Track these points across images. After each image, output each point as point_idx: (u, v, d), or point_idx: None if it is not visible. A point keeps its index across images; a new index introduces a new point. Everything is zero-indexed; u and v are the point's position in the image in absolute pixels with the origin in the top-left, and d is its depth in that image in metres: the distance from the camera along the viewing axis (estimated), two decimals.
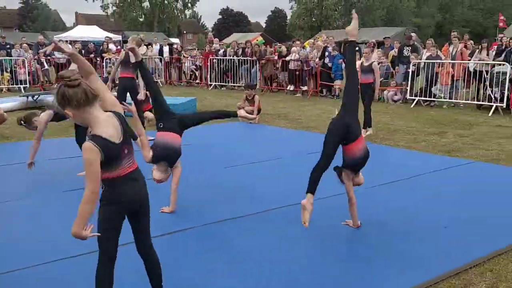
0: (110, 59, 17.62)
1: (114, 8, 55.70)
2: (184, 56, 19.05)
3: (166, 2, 56.84)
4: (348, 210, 4.23)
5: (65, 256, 3.66)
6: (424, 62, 12.73)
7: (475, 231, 4.22)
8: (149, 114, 9.59)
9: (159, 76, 19.30)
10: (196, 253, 3.77)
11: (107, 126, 2.49)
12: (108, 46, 18.48)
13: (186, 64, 18.94)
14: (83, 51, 18.17)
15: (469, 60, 12.61)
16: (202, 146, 7.73)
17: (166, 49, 19.45)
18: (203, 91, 16.85)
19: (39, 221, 4.48)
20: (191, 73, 18.91)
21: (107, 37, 22.12)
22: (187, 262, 3.62)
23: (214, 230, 4.23)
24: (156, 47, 19.50)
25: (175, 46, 20.81)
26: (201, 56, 18.30)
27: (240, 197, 5.15)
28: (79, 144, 5.80)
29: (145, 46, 19.52)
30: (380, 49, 14.95)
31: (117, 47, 20.87)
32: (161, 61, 19.14)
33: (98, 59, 17.85)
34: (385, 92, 13.54)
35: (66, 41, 27.00)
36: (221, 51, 17.95)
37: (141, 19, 56.98)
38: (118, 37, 35.16)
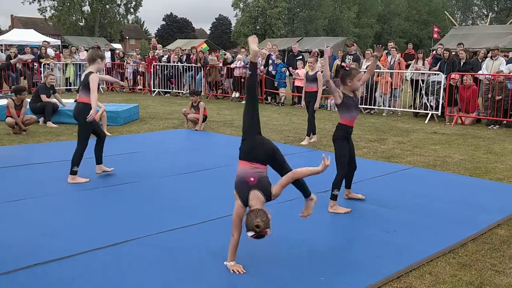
0: (48, 64, 16.95)
1: (53, 11, 53.76)
2: (126, 62, 18.65)
3: (107, 6, 55.52)
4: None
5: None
6: (364, 71, 13.11)
7: (414, 234, 4.36)
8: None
9: (100, 82, 18.79)
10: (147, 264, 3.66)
11: None
12: (46, 51, 17.77)
13: (128, 70, 18.55)
14: (19, 55, 17.35)
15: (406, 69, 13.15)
16: (146, 154, 7.57)
17: (107, 54, 18.96)
18: (146, 97, 16.55)
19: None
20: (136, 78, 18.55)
21: (44, 41, 21.26)
22: (137, 273, 3.50)
23: (165, 239, 4.13)
24: None
25: (117, 51, 20.34)
26: (143, 62, 17.97)
27: (186, 206, 5.06)
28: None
29: (85, 51, 19.00)
30: (322, 58, 15.27)
31: (55, 51, 20.12)
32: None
33: (35, 64, 17.11)
34: (328, 100, 13.85)
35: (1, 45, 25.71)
36: (165, 57, 17.74)
37: (81, 24, 55.29)
38: (57, 42, 33.98)
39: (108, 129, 9.44)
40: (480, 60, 12.46)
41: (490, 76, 11.28)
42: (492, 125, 11.00)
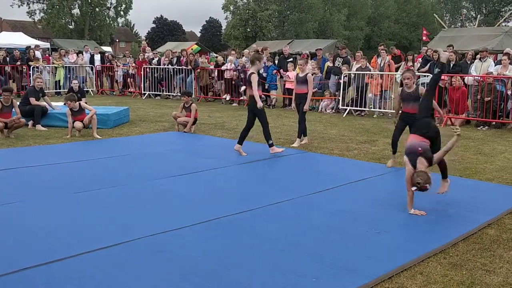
0: (37, 67, 16.83)
1: (42, 14, 53.39)
2: (116, 65, 18.57)
3: (97, 9, 55.26)
4: None
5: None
6: (355, 73, 13.19)
7: (405, 235, 4.37)
8: (77, 124, 9.24)
9: (90, 85, 18.69)
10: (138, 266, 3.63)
11: None
12: (34, 54, 17.64)
13: (118, 73, 18.47)
14: (8, 58, 17.23)
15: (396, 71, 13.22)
16: (136, 157, 7.53)
17: (97, 57, 18.90)
18: (137, 100, 16.48)
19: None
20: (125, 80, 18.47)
21: (36, 45, 21.12)
22: (128, 277, 3.47)
23: (159, 241, 4.10)
24: (87, 56, 18.89)
25: (106, 54, 20.25)
26: (134, 65, 17.91)
27: (176, 208, 5.03)
28: None
29: (75, 54, 18.90)
30: (313, 60, 15.31)
31: (44, 54, 19.98)
32: (92, 70, 18.54)
33: (24, 67, 16.98)
34: (320, 101, 13.88)
35: None
36: (155, 60, 17.68)
37: (71, 26, 54.96)
38: (46, 45, 33.76)
39: (98, 132, 9.38)
40: (468, 62, 12.55)
41: (479, 78, 11.36)
42: (481, 126, 11.08)
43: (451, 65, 12.22)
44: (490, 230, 4.59)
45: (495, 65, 11.86)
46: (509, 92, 10.91)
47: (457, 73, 11.83)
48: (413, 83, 6.70)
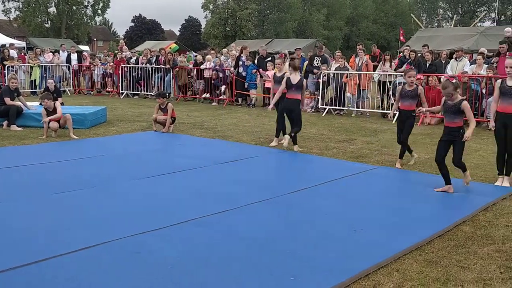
0: (12, 66, 16.50)
1: (18, 12, 52.39)
2: (93, 64, 18.32)
3: (74, 8, 54.47)
4: None
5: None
6: (334, 73, 13.27)
7: (382, 232, 4.41)
8: (53, 125, 9.10)
9: (67, 85, 18.41)
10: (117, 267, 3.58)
11: None
12: (9, 53, 17.28)
13: (95, 72, 18.23)
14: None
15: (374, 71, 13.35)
16: (114, 157, 7.44)
17: (74, 56, 18.62)
18: (115, 100, 16.30)
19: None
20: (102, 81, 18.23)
21: (11, 44, 20.71)
22: (110, 278, 3.42)
23: (136, 241, 4.05)
24: (64, 55, 18.61)
25: (84, 53, 19.98)
26: (112, 64, 17.69)
27: (154, 209, 4.99)
28: None
29: (51, 53, 18.60)
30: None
31: (20, 53, 19.61)
32: (69, 69, 18.27)
33: None
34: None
35: None
36: (133, 59, 17.51)
37: (47, 25, 54.07)
38: (22, 43, 33.14)
39: (74, 132, 9.25)
40: (443, 62, 12.75)
41: (455, 77, 11.54)
42: None
43: (427, 64, 12.40)
44: (465, 227, 4.66)
45: (470, 65, 12.07)
46: (483, 91, 11.12)
47: (433, 73, 12.00)
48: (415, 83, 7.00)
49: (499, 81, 6.17)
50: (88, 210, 4.92)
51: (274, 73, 9.00)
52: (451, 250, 4.09)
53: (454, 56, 12.46)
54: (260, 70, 14.86)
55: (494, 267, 3.76)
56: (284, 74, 8.71)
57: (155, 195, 5.50)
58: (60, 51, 19.03)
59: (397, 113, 7.41)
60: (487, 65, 11.39)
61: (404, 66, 12.08)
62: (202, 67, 15.79)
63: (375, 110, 13.07)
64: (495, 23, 51.92)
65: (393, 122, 11.70)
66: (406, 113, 7.00)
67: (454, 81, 7.05)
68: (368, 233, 4.39)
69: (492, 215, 5.01)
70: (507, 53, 10.89)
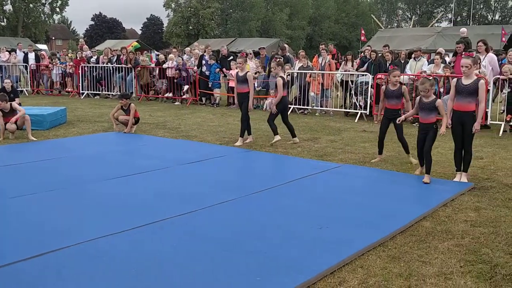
0: None
1: None
2: (52, 64, 17.82)
3: (31, 6, 52.85)
4: None
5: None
6: (297, 72, 13.37)
7: (347, 229, 4.47)
8: (10, 126, 8.80)
9: (24, 84, 17.84)
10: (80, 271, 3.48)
11: None
12: None
13: (54, 72, 17.73)
14: None
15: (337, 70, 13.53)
16: (74, 159, 7.25)
17: (31, 55, 18.06)
18: (75, 100, 15.91)
19: None
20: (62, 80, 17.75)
21: None
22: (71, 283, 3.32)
23: (98, 245, 3.95)
24: (20, 54, 18.02)
25: (41, 52, 19.40)
26: (71, 63, 17.26)
27: (117, 211, 4.89)
28: None
29: (7, 52, 17.97)
30: (256, 59, 15.37)
31: None
32: (26, 69, 17.70)
33: None
34: (265, 100, 13.96)
35: None
36: (93, 58, 17.14)
37: (2, 23, 52.24)
38: None
39: (33, 134, 8.98)
40: (402, 61, 13.04)
41: (414, 77, 11.83)
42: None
43: (388, 64, 12.65)
44: (425, 222, 4.78)
45: (428, 64, 12.40)
46: (441, 90, 11.44)
47: None
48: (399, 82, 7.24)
49: (455, 79, 6.34)
50: (46, 214, 4.78)
51: (237, 73, 8.96)
52: (413, 246, 4.18)
53: (413, 56, 12.75)
54: (224, 69, 14.82)
55: (454, 261, 3.86)
56: (246, 73, 8.69)
57: (117, 197, 5.39)
58: (17, 50, 18.42)
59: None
60: (444, 65, 11.72)
61: (407, 66, 12.27)
62: (165, 66, 15.61)
63: (338, 109, 13.25)
64: (452, 24, 53.62)
65: (356, 121, 11.91)
66: (392, 112, 7.21)
67: (430, 78, 7.27)
68: (333, 231, 4.43)
69: (451, 210, 5.15)
70: (463, 53, 11.24)
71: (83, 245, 3.98)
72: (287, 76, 13.28)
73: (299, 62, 13.84)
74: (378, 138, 7.46)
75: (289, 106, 13.20)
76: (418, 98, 6.44)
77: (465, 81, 6.13)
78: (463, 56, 7.46)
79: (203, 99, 15.16)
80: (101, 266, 3.61)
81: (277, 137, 8.74)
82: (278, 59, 10.38)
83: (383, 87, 7.49)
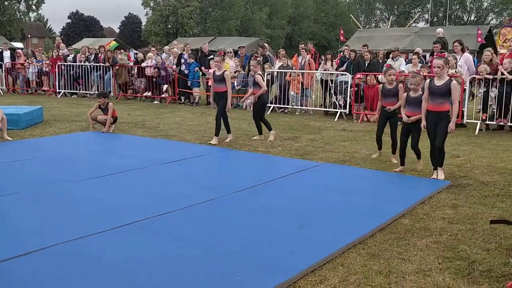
0: None
1: None
2: (28, 62, 17.48)
3: (6, 3, 51.71)
4: None
5: None
6: (277, 72, 13.39)
7: (327, 228, 4.48)
8: None
9: (0, 84, 17.46)
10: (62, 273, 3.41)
11: None
12: None
13: (30, 70, 17.39)
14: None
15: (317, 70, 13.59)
16: (51, 159, 7.12)
17: (6, 54, 17.68)
18: (51, 99, 15.64)
19: None
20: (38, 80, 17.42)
21: None
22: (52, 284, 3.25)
23: (75, 247, 3.88)
24: None
25: (18, 51, 19.02)
26: (47, 62, 16.95)
27: (95, 212, 4.81)
28: None
29: None
30: (236, 58, 15.33)
31: None
32: (1, 67, 17.32)
33: None
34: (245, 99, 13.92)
35: None
36: (70, 57, 16.86)
37: None
38: None
39: (8, 133, 8.79)
40: (380, 61, 13.17)
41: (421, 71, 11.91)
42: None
43: (366, 64, 12.77)
44: (404, 219, 4.83)
45: (406, 64, 12.56)
46: None
47: (371, 72, 12.37)
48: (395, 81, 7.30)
49: (427, 80, 6.36)
50: (21, 215, 4.67)
51: (214, 71, 8.90)
52: (392, 243, 4.22)
53: (391, 55, 12.91)
54: (203, 68, 14.75)
55: (432, 258, 3.91)
56: (224, 72, 8.65)
57: (95, 197, 5.31)
58: None
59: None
60: (421, 64, 11.88)
61: (321, 65, 12.36)
62: (144, 65, 15.46)
63: (318, 108, 13.31)
64: (429, 24, 54.41)
65: (335, 120, 11.98)
66: (391, 111, 7.20)
67: (421, 73, 7.34)
68: (314, 229, 4.44)
69: (429, 208, 5.22)
70: (435, 54, 11.40)
71: (60, 247, 3.91)
72: (266, 75, 13.29)
73: (279, 61, 13.86)
74: (376, 136, 7.49)
75: (270, 105, 13.27)
76: (405, 93, 6.66)
77: (438, 82, 6.15)
78: (434, 56, 7.54)
79: (182, 98, 15.06)
80: (79, 268, 3.55)
81: (273, 132, 9.04)
82: (258, 58, 10.40)
83: (380, 86, 7.50)
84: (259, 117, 9.07)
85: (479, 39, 23.35)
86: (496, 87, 10.23)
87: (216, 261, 3.72)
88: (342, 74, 12.59)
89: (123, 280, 3.38)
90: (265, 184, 5.96)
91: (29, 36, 63.13)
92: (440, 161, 6.36)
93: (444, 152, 6.35)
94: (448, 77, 6.26)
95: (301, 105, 13.30)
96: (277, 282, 3.39)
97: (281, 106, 13.32)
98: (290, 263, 3.69)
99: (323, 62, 13.76)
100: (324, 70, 13.23)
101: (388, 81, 7.22)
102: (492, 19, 65.03)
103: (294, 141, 9.05)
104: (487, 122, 10.48)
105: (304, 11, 63.24)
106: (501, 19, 60.37)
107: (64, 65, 16.40)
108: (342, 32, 31.92)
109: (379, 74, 12.31)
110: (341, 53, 14.91)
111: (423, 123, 6.35)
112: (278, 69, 13.45)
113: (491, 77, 10.24)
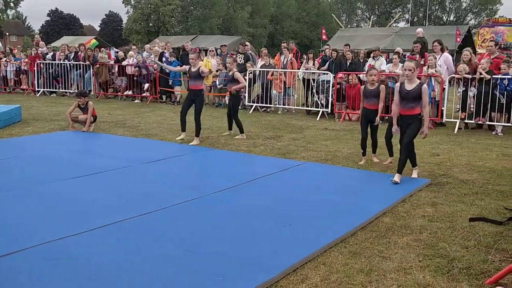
0: None
1: None
2: (6, 60, 17.15)
3: None
4: None
5: None
6: (260, 70, 13.38)
7: (309, 226, 4.49)
8: None
9: None
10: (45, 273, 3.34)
11: None
12: None
13: (8, 69, 17.07)
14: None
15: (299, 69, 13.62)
16: (29, 159, 7.00)
17: None
18: (30, 98, 15.38)
19: None
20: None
21: None
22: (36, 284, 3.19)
23: (59, 247, 3.81)
24: None
25: None
26: (26, 60, 16.65)
27: (75, 212, 4.74)
28: None
29: None
30: (219, 56, 15.29)
31: None
32: None
33: None
34: (226, 98, 13.88)
35: None
36: (50, 55, 16.60)
37: None
38: None
39: None
40: (361, 60, 13.27)
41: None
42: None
43: (348, 63, 12.85)
44: (385, 218, 4.87)
45: (386, 63, 12.66)
46: None
47: (353, 71, 12.45)
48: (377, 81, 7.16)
49: (397, 84, 6.27)
50: (0, 216, 4.58)
51: (189, 68, 8.77)
52: (373, 241, 4.25)
53: (372, 55, 13.00)
54: (184, 66, 14.64)
55: (413, 256, 3.95)
56: (199, 68, 8.57)
57: (75, 197, 5.23)
58: None
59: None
60: (402, 64, 11.99)
61: (366, 66, 12.33)
62: (124, 63, 15.30)
63: (300, 107, 13.35)
64: (409, 24, 55.04)
65: (317, 119, 12.03)
66: (371, 112, 7.11)
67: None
68: (295, 228, 4.45)
69: (409, 206, 5.27)
70: (407, 56, 11.52)
71: (39, 248, 3.84)
72: (249, 74, 13.28)
73: (262, 60, 13.85)
74: (361, 139, 7.29)
75: (252, 104, 13.27)
76: (397, 90, 6.24)
77: (408, 86, 6.08)
78: (406, 59, 7.54)
79: (164, 97, 14.95)
80: (59, 269, 3.49)
81: (243, 136, 9.01)
82: (233, 55, 10.39)
83: (362, 87, 7.44)
84: (233, 115, 9.03)
85: (458, 39, 23.71)
86: (474, 87, 10.39)
87: (198, 261, 3.70)
88: (324, 73, 12.64)
89: (103, 280, 3.33)
90: (247, 184, 5.95)
91: (7, 34, 62.03)
92: (413, 161, 6.42)
93: (411, 151, 6.29)
94: (418, 81, 6.17)
95: (283, 104, 13.32)
96: (259, 282, 3.39)
97: (264, 105, 13.32)
98: (272, 263, 3.68)
99: (305, 61, 13.80)
100: (306, 69, 13.26)
101: (369, 82, 7.15)
102: (471, 19, 66.11)
103: (276, 140, 9.05)
104: (466, 121, 10.63)
105: (286, 10, 63.38)
106: (479, 19, 61.43)
107: (43, 63, 16.15)
108: (324, 31, 32.08)
109: (360, 74, 12.39)
110: (323, 52, 14.95)
111: (395, 127, 6.29)
112: (260, 68, 13.44)
113: (470, 76, 10.39)
